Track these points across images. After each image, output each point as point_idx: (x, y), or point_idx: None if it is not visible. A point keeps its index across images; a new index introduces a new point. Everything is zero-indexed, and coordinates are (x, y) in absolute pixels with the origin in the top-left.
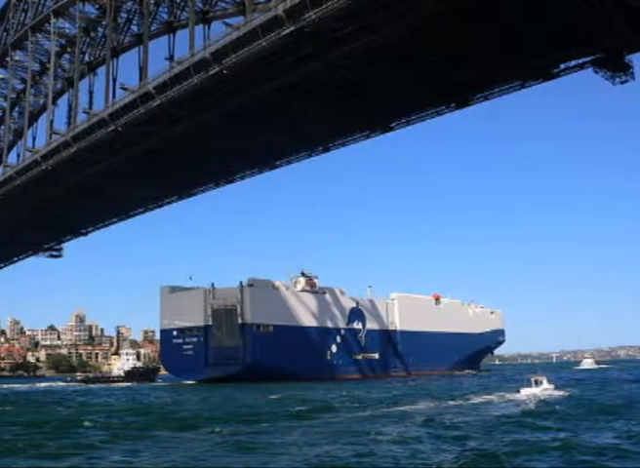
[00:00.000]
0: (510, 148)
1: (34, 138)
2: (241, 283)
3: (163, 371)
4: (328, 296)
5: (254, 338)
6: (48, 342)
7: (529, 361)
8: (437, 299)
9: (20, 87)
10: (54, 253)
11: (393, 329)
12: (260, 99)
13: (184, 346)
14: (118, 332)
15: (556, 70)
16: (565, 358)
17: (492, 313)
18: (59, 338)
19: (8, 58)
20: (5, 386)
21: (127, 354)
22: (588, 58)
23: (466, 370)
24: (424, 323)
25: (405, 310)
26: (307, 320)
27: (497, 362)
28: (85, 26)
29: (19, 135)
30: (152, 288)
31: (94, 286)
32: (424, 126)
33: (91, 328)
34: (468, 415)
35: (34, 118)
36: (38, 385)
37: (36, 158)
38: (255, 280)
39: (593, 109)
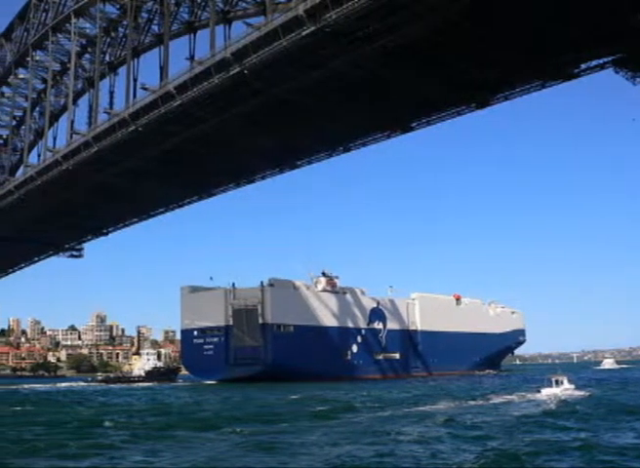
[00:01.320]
0: (531, 148)
1: (55, 138)
2: (262, 283)
3: (184, 371)
4: (349, 296)
5: (274, 338)
6: (69, 342)
7: (549, 361)
8: (458, 299)
9: (41, 87)
10: (74, 253)
11: (414, 329)
12: (280, 99)
13: (205, 346)
14: (139, 333)
15: (577, 70)
16: (585, 358)
17: (512, 313)
18: (79, 338)
19: (29, 58)
20: (26, 386)
21: (148, 354)
22: (609, 58)
23: (487, 371)
24: (445, 323)
25: (426, 310)
26: (328, 320)
27: (517, 362)
28: (106, 26)
29: (39, 135)
30: (173, 288)
31: (114, 286)
32: (445, 126)
33: (111, 328)
34: (489, 415)
35: (55, 118)
36: (59, 385)
37: (57, 158)
38: (275, 280)
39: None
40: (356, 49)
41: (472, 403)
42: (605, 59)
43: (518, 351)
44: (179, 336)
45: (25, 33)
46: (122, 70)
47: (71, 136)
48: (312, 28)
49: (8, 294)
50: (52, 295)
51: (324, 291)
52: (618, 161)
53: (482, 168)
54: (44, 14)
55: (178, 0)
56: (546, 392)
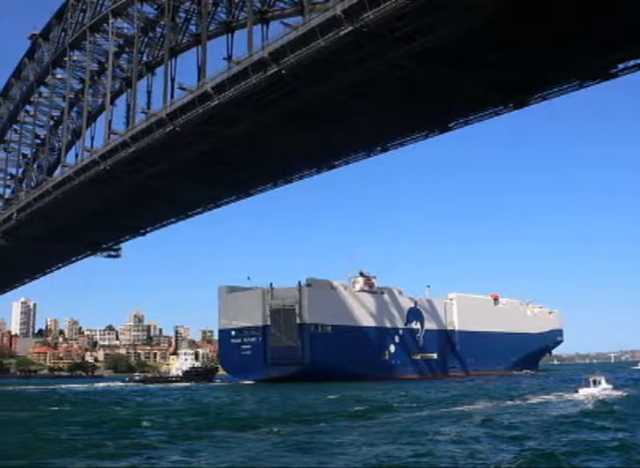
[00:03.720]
0: (570, 148)
1: (92, 139)
2: (299, 283)
3: (221, 371)
4: (386, 296)
5: (312, 338)
6: (106, 342)
7: (587, 361)
8: (495, 299)
9: (79, 87)
10: (112, 253)
11: (452, 329)
12: (318, 99)
13: (243, 346)
14: (176, 332)
15: (614, 70)
16: (623, 358)
17: (550, 313)
18: (117, 338)
19: (66, 59)
20: (63, 386)
21: (185, 354)
22: None
23: (525, 371)
24: (483, 323)
25: (463, 310)
26: (365, 320)
27: (555, 362)
28: (143, 26)
29: (77, 135)
30: (211, 288)
31: (152, 286)
32: (484, 126)
33: (149, 328)
34: (526, 415)
35: (92, 118)
36: (96, 385)
37: (94, 158)
38: (313, 280)
39: None
40: (394, 49)
41: (510, 403)
42: None
43: (556, 351)
44: (216, 336)
45: (63, 33)
46: (159, 70)
47: (109, 137)
48: (350, 28)
49: (46, 295)
50: (89, 296)
51: (361, 291)
52: None
53: (520, 167)
54: (81, 14)
55: (215, 0)
56: (584, 392)
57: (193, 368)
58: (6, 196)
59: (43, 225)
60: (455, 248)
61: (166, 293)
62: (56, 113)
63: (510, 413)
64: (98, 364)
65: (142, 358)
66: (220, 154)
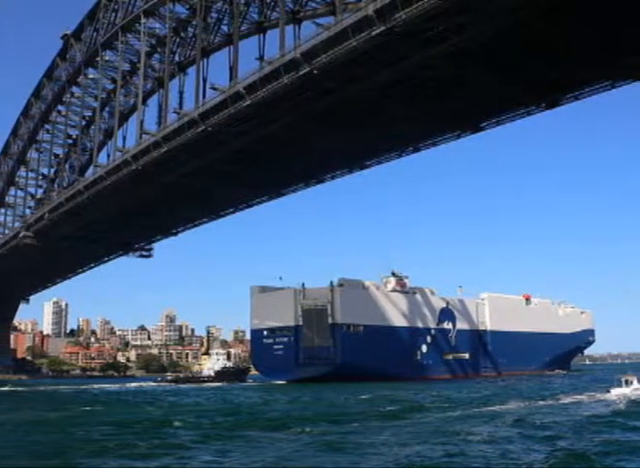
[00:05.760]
0: (598, 148)
1: (124, 139)
2: (331, 283)
3: (253, 371)
4: (418, 296)
5: (344, 338)
6: (138, 342)
7: (619, 361)
8: (527, 299)
9: (111, 87)
10: (144, 253)
11: (483, 329)
12: (349, 99)
13: (275, 346)
14: (208, 332)
15: None
16: None
17: (582, 313)
18: (149, 338)
19: (98, 59)
20: (96, 386)
21: (217, 354)
22: None
23: (557, 371)
24: (515, 323)
25: (495, 310)
26: (397, 320)
27: (587, 362)
28: (175, 26)
29: (109, 135)
30: (243, 288)
31: (184, 286)
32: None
33: (181, 328)
34: (559, 415)
35: (124, 118)
36: (128, 385)
37: (126, 158)
38: (345, 280)
39: None
40: (426, 49)
41: (542, 403)
42: None
43: (588, 351)
44: (248, 336)
45: (95, 33)
46: (191, 70)
47: (141, 137)
48: (382, 28)
49: (78, 295)
50: (121, 295)
51: (394, 291)
52: None
53: (553, 168)
54: (113, 14)
55: (247, 0)
56: (616, 392)
57: (225, 368)
58: (38, 196)
59: (75, 225)
60: (487, 248)
61: (198, 293)
62: (87, 113)
63: (542, 413)
64: (130, 364)
65: (174, 358)
66: (252, 154)
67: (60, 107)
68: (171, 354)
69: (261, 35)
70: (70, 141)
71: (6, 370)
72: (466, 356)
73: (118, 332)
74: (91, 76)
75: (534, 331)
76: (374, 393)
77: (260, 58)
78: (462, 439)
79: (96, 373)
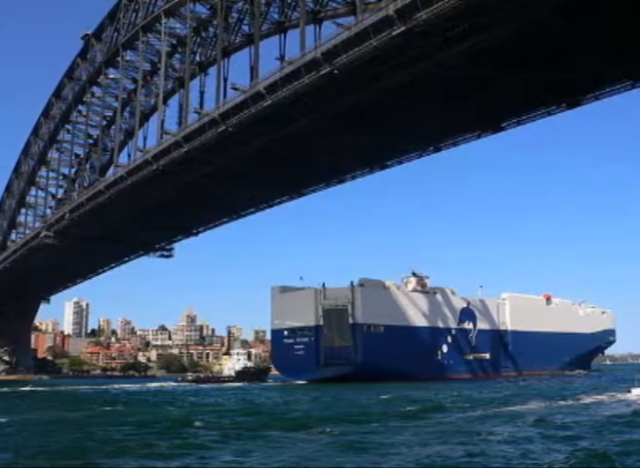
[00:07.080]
0: (617, 148)
1: (145, 138)
2: (352, 283)
3: (274, 371)
4: (439, 296)
5: (364, 338)
6: (159, 342)
7: (639, 361)
8: (548, 299)
9: (131, 87)
10: (164, 253)
11: (504, 329)
12: (370, 99)
13: (295, 346)
14: (229, 332)
15: None
16: None
17: (602, 313)
18: (169, 338)
19: (119, 59)
20: (116, 386)
21: (238, 354)
22: None
23: (577, 371)
24: (535, 323)
25: (516, 310)
26: (418, 320)
27: (607, 362)
28: (196, 26)
29: (129, 135)
30: (263, 288)
31: (204, 286)
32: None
33: (202, 328)
34: (579, 415)
35: (145, 118)
36: (149, 385)
37: (147, 158)
38: (365, 280)
39: None
40: (446, 49)
41: (562, 403)
42: None
43: (608, 351)
44: (269, 336)
45: (116, 33)
46: (212, 70)
47: (161, 136)
48: (402, 28)
49: (98, 295)
50: (142, 295)
51: (414, 291)
52: None
53: (573, 168)
54: (134, 14)
55: (268, 0)
56: (637, 392)
57: (246, 367)
58: (59, 196)
59: (95, 225)
60: (507, 248)
61: (218, 294)
62: (108, 113)
63: (563, 413)
64: (150, 364)
65: (195, 358)
66: (273, 154)
67: (80, 107)
68: (191, 354)
69: (282, 35)
70: (91, 141)
71: (27, 370)
72: (487, 356)
73: (139, 332)
74: (111, 76)
75: (554, 331)
76: (394, 393)
77: (281, 57)
78: (483, 439)
79: (116, 373)
